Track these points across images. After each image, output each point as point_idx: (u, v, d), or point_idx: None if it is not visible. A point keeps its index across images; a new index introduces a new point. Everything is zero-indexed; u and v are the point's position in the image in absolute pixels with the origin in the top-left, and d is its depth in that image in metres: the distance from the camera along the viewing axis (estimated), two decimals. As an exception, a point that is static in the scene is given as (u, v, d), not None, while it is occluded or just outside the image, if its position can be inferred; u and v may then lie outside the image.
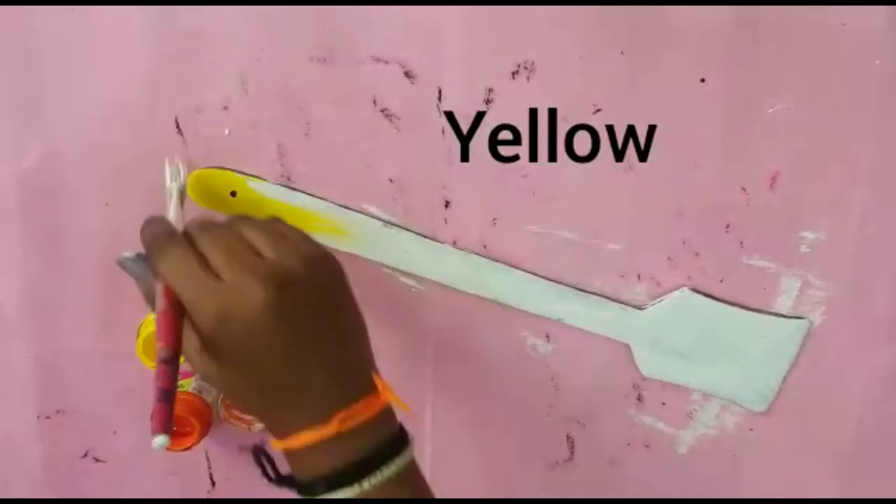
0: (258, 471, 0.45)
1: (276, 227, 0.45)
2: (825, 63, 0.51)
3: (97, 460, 0.62)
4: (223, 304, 0.40)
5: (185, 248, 0.42)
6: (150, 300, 0.44)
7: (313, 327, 0.42)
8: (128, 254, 0.46)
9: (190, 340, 0.42)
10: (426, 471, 0.61)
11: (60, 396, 0.60)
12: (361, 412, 0.42)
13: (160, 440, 0.38)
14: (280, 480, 0.44)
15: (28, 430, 0.60)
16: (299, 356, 0.42)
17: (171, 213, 0.50)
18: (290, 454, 0.43)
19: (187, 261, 0.41)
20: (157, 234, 0.44)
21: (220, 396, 0.59)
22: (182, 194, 0.52)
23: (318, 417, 0.42)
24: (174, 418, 0.55)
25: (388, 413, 0.44)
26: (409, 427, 0.61)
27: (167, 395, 0.39)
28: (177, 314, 0.41)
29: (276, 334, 0.41)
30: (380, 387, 0.44)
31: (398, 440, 0.44)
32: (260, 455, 0.45)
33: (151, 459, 0.60)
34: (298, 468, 0.43)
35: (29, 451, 0.61)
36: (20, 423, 0.60)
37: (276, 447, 0.44)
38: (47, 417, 0.60)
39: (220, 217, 0.48)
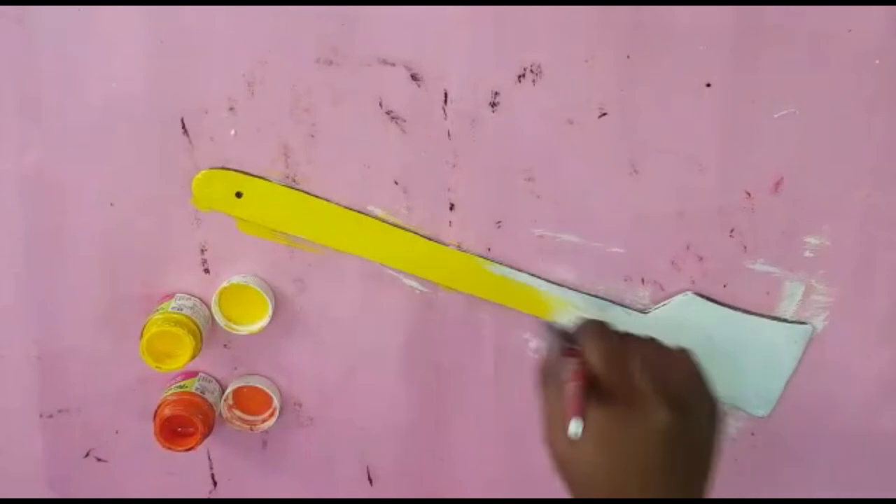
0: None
1: (690, 357, 0.47)
2: (828, 66, 0.51)
3: (99, 460, 0.62)
4: (628, 409, 0.43)
5: (617, 345, 0.46)
6: (544, 370, 0.47)
7: (686, 462, 0.43)
8: (555, 323, 0.51)
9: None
10: (429, 469, 0.62)
11: (62, 396, 0.60)
12: None
13: (575, 426, 0.42)
14: None
15: (30, 429, 0.60)
16: (661, 483, 0.42)
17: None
18: None
19: (615, 358, 0.45)
20: (596, 325, 0.48)
21: (223, 396, 0.59)
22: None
23: None
24: (179, 419, 0.56)
25: None
26: (414, 427, 0.61)
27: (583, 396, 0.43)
28: (588, 381, 0.44)
29: (656, 455, 0.42)
30: None
31: None
32: None
33: (153, 459, 0.60)
34: None
35: (31, 451, 0.61)
36: (22, 423, 0.60)
37: None
38: (49, 417, 0.60)
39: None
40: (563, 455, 0.44)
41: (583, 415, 0.42)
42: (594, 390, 0.44)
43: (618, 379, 0.44)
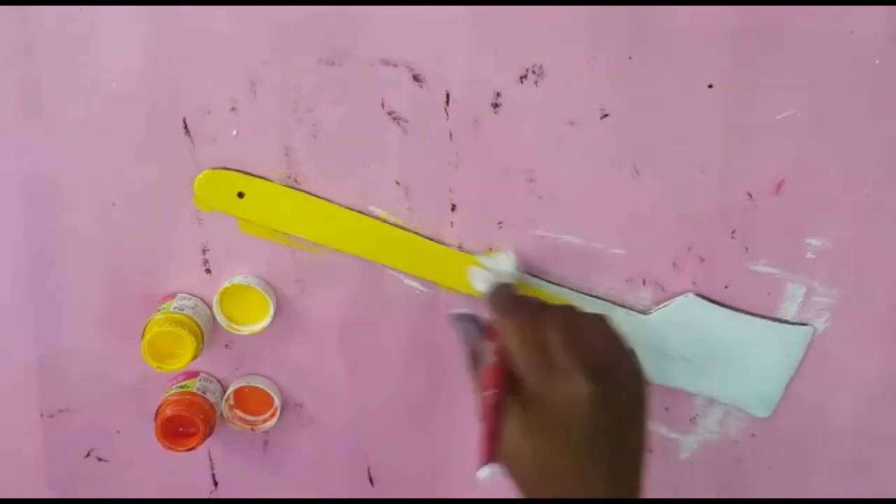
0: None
1: (607, 323, 0.47)
2: (829, 67, 0.51)
3: (100, 460, 0.62)
4: (549, 385, 0.42)
5: (531, 320, 0.45)
6: (472, 359, 0.47)
7: (615, 431, 0.43)
8: (458, 311, 0.51)
9: (512, 420, 0.43)
10: (430, 468, 0.62)
11: (63, 396, 0.60)
12: None
13: (486, 471, 0.41)
14: None
15: (31, 429, 0.60)
16: (593, 455, 0.42)
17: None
18: None
19: (531, 334, 0.44)
20: (508, 298, 0.49)
21: (224, 397, 0.59)
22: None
23: None
24: (180, 419, 0.56)
25: None
26: (413, 427, 0.61)
27: (495, 434, 0.42)
28: (505, 370, 0.44)
29: (583, 427, 0.41)
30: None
31: None
32: None
33: (154, 459, 0.60)
34: None
35: (31, 451, 0.61)
36: (23, 423, 0.60)
37: None
38: (50, 416, 0.60)
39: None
40: (515, 455, 0.43)
41: (493, 451, 0.41)
42: (514, 371, 0.43)
43: (536, 355, 0.43)
